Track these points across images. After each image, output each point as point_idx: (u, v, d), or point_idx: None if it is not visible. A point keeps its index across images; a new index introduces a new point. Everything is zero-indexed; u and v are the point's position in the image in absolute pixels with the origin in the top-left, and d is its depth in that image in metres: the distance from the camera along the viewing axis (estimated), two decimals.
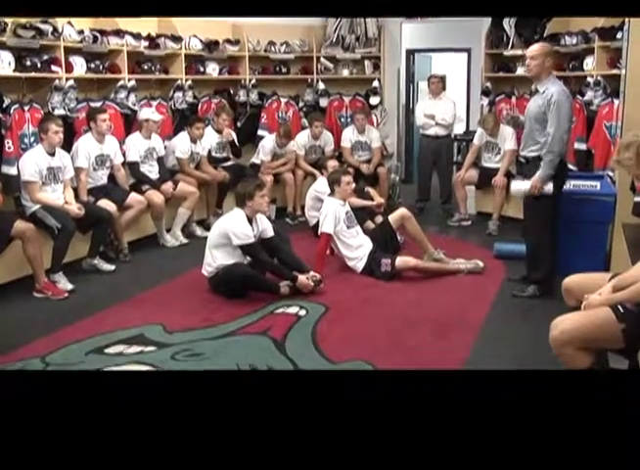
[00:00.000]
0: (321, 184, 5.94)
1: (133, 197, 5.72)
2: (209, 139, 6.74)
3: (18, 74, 5.17)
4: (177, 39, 6.66)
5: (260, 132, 7.47)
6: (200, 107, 7.10)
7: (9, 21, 5.00)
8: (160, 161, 6.23)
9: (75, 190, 5.35)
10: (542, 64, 4.35)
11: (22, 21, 5.09)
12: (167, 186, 6.05)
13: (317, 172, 6.93)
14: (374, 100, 7.93)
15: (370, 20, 7.86)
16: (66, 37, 5.45)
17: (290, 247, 5.10)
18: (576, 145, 6.25)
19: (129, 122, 6.23)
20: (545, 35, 6.68)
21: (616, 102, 5.47)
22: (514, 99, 7.12)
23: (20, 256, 4.64)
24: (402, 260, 5.11)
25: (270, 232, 4.88)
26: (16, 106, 5.09)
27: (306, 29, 7.94)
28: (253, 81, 7.57)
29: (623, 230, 3.84)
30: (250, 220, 4.72)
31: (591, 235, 4.73)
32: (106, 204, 5.41)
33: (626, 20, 4.56)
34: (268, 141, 7.14)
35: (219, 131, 6.83)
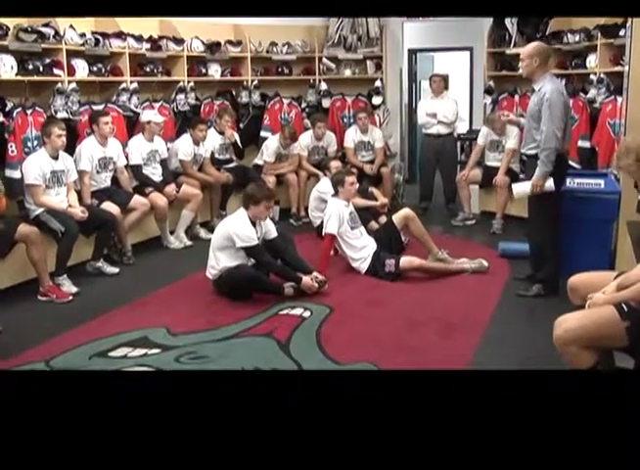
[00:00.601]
0: (324, 185, 5.93)
1: (136, 199, 5.73)
2: (212, 141, 6.74)
3: (20, 78, 5.18)
4: (179, 41, 6.66)
5: (263, 133, 7.47)
6: (202, 108, 7.10)
7: (11, 24, 5.01)
8: (164, 163, 6.24)
9: (79, 193, 5.36)
10: (531, 64, 4.39)
11: (24, 24, 5.10)
12: (171, 188, 6.05)
13: (320, 173, 6.93)
14: (376, 100, 7.92)
15: (372, 19, 7.85)
16: (67, 40, 5.46)
17: (294, 248, 5.09)
18: (580, 143, 6.23)
19: (132, 125, 6.23)
20: (547, 33, 6.67)
21: (619, 99, 5.45)
22: (517, 97, 7.10)
23: (24, 259, 4.64)
24: (406, 261, 5.10)
25: (274, 233, 4.88)
26: (18, 109, 5.11)
27: (308, 30, 7.93)
28: (256, 82, 7.56)
29: (628, 228, 3.83)
30: (253, 222, 4.72)
31: (595, 233, 4.70)
32: (109, 206, 5.42)
33: None
34: (272, 141, 7.14)
35: (222, 133, 6.83)
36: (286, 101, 7.70)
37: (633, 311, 2.67)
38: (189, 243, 6.19)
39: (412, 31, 8.67)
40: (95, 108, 5.78)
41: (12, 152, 5.03)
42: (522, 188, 4.55)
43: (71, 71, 5.57)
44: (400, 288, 4.94)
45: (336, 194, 5.33)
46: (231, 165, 6.97)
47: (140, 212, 5.72)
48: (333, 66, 8.05)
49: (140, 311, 4.55)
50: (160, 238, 6.14)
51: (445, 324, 4.21)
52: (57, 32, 5.30)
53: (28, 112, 5.17)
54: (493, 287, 4.90)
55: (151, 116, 6.07)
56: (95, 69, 5.85)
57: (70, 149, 5.35)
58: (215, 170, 6.70)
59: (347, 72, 8.11)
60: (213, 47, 7.04)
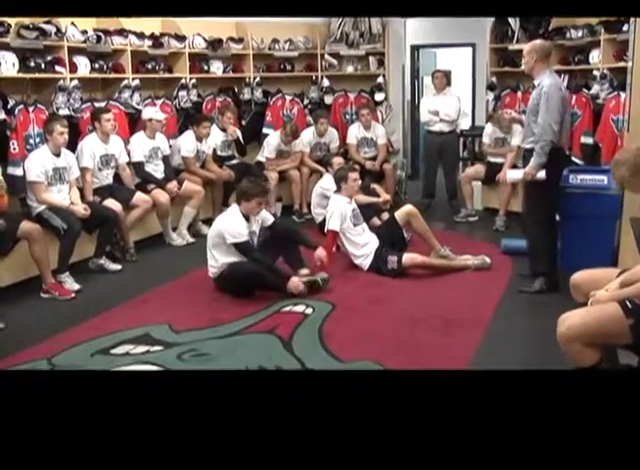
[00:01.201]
0: (327, 181, 5.92)
1: (139, 196, 5.72)
2: (214, 138, 6.73)
3: (22, 75, 5.18)
4: (181, 38, 6.65)
5: (265, 130, 7.45)
6: (204, 105, 7.09)
7: (12, 22, 5.01)
8: (166, 160, 6.23)
9: (81, 190, 5.35)
10: (530, 60, 4.50)
11: (26, 22, 5.10)
12: (173, 185, 6.05)
13: (323, 170, 6.92)
14: (379, 96, 7.91)
15: None
16: (69, 37, 5.46)
17: (299, 239, 5.13)
18: (583, 139, 6.22)
19: (134, 122, 6.22)
20: (550, 29, 6.65)
21: (622, 95, 5.43)
22: (519, 93, 7.08)
23: (26, 256, 4.64)
24: (409, 257, 5.09)
25: (270, 219, 4.96)
26: (20, 107, 5.10)
27: (310, 26, 7.92)
28: (258, 79, 7.55)
29: (631, 225, 3.81)
30: (247, 217, 4.74)
31: (598, 230, 4.69)
32: (111, 203, 5.41)
33: None
34: (273, 138, 7.13)
35: (224, 130, 6.82)
36: (288, 97, 7.69)
37: (637, 309, 2.66)
38: (191, 240, 6.18)
39: (414, 28, 8.67)
40: (97, 105, 5.77)
41: (14, 149, 5.02)
42: (515, 175, 4.82)
43: (73, 69, 5.58)
44: (403, 285, 4.94)
45: (338, 190, 5.33)
46: (233, 162, 6.97)
47: (142, 209, 5.71)
48: (335, 62, 8.04)
49: (142, 308, 4.56)
50: (163, 235, 6.14)
51: (448, 321, 4.20)
52: (58, 29, 5.29)
53: (30, 109, 5.17)
54: (496, 284, 4.89)
55: (152, 113, 6.06)
56: (97, 66, 5.85)
57: (72, 146, 5.34)
58: (217, 167, 6.69)
59: (350, 69, 8.10)
60: (215, 44, 7.03)
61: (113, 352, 3.80)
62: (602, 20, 5.98)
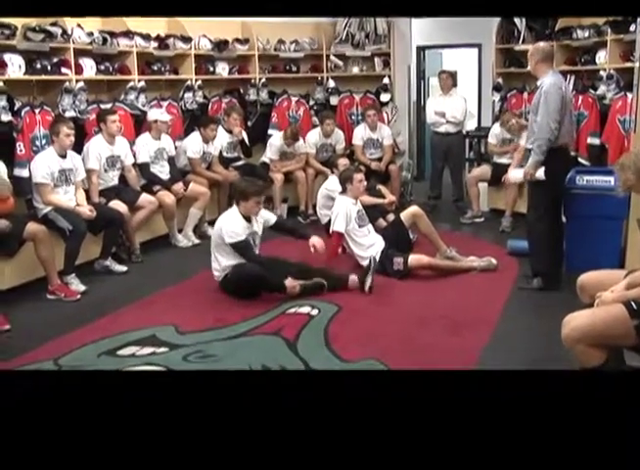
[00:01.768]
0: (332, 182, 5.91)
1: (144, 197, 5.73)
2: (220, 139, 6.73)
3: (28, 77, 5.20)
4: (186, 39, 6.66)
5: (271, 131, 7.46)
6: (210, 107, 7.10)
7: (19, 24, 5.02)
8: (171, 161, 6.24)
9: (87, 192, 5.37)
10: (532, 63, 4.58)
11: (32, 24, 5.11)
12: (178, 186, 6.06)
13: (328, 171, 6.91)
14: (384, 97, 7.90)
15: None
16: (75, 39, 5.47)
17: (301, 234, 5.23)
18: (590, 140, 6.19)
19: (139, 123, 6.23)
20: (557, 29, 6.63)
21: (629, 95, 5.41)
22: (525, 94, 7.06)
23: (32, 258, 4.65)
24: (415, 259, 5.08)
25: (272, 220, 5.01)
26: (27, 109, 5.12)
27: (316, 27, 7.92)
28: (263, 80, 7.55)
29: (638, 226, 3.79)
30: (247, 218, 4.73)
31: (605, 231, 4.68)
32: (117, 205, 5.42)
33: None
34: (276, 139, 7.14)
35: (230, 131, 6.83)
36: (294, 98, 7.69)
37: None
38: (197, 241, 6.19)
39: (420, 28, 8.65)
40: (103, 106, 5.79)
41: (20, 151, 5.04)
42: (517, 174, 4.92)
43: (79, 70, 5.58)
44: (408, 286, 4.93)
45: (344, 191, 5.32)
46: (239, 163, 6.97)
47: (148, 211, 5.72)
48: (340, 63, 8.04)
49: (148, 310, 4.56)
50: (169, 236, 6.14)
51: (454, 322, 4.19)
52: (64, 31, 5.30)
53: (36, 111, 5.18)
54: (502, 285, 4.88)
55: (157, 115, 6.07)
56: (103, 67, 5.86)
57: (78, 147, 5.35)
58: (223, 169, 6.70)
59: (355, 70, 8.10)
60: (221, 45, 7.04)
61: (119, 353, 3.80)
62: (608, 20, 5.95)
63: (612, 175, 4.90)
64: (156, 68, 6.49)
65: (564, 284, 4.55)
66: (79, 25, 5.52)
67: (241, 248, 4.65)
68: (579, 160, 6.18)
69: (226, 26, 7.15)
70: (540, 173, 4.47)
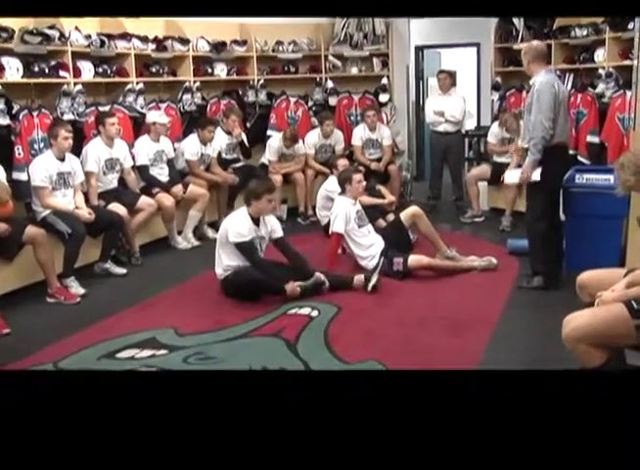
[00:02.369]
0: (332, 183, 5.91)
1: (144, 200, 5.73)
2: (219, 140, 6.72)
3: (26, 80, 5.19)
4: (184, 41, 6.65)
5: (270, 132, 7.45)
6: (208, 108, 7.09)
7: (16, 27, 5.02)
8: (170, 163, 6.23)
9: (86, 194, 5.36)
10: (525, 62, 4.59)
11: (30, 27, 5.11)
12: (178, 189, 6.05)
13: (328, 171, 6.90)
14: (383, 97, 7.89)
15: None
16: (73, 42, 5.46)
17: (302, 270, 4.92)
18: (589, 138, 6.19)
19: (138, 126, 6.23)
20: (555, 27, 6.62)
21: (628, 93, 5.40)
22: (524, 93, 7.03)
23: (31, 261, 4.65)
24: (415, 259, 5.07)
25: (279, 233, 4.88)
26: (25, 112, 5.11)
27: (314, 28, 7.91)
28: (262, 81, 7.54)
29: (638, 224, 3.79)
30: (256, 220, 4.71)
31: (605, 229, 4.66)
32: (116, 207, 5.42)
33: None
34: (274, 140, 7.13)
35: (229, 132, 6.82)
36: (292, 99, 7.68)
37: None
38: (196, 243, 6.18)
39: (418, 28, 8.65)
40: (101, 109, 5.78)
41: (18, 154, 5.03)
42: (512, 176, 4.86)
43: (77, 73, 5.58)
44: (409, 286, 4.92)
45: (343, 192, 5.31)
46: (238, 165, 6.96)
47: (147, 213, 5.72)
48: (339, 63, 8.03)
49: (148, 312, 4.56)
50: (168, 238, 6.14)
51: (454, 323, 4.19)
52: (62, 34, 5.30)
53: (35, 114, 5.18)
54: (502, 284, 4.87)
55: (156, 117, 6.07)
56: (101, 70, 5.86)
57: (77, 150, 5.35)
58: (222, 170, 6.69)
59: (354, 70, 8.09)
60: (219, 47, 7.03)
61: (118, 356, 3.79)
62: (607, 18, 5.94)
63: (611, 174, 4.89)
64: (154, 69, 6.49)
65: (564, 283, 4.55)
66: (77, 28, 5.51)
67: (244, 249, 4.64)
68: (579, 158, 6.18)
69: (224, 28, 7.14)
70: (536, 176, 4.46)
